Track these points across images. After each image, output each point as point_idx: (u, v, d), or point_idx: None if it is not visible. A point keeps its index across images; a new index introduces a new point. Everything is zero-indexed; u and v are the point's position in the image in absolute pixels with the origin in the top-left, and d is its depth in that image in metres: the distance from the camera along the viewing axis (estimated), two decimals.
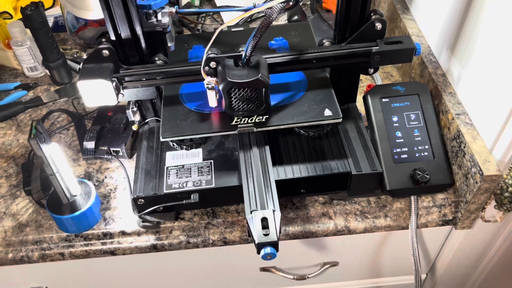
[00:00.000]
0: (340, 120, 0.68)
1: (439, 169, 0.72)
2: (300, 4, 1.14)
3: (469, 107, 0.73)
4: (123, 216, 0.75)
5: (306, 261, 0.87)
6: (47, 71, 0.98)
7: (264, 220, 0.60)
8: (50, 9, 1.13)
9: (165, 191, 0.70)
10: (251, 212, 0.62)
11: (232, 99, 0.65)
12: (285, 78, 0.75)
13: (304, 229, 0.74)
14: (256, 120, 0.67)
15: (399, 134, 0.74)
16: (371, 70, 0.74)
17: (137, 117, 0.78)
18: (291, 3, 0.63)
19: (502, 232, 0.81)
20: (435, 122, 0.75)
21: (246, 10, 0.69)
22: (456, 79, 0.77)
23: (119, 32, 0.67)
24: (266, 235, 0.59)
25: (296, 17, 1.02)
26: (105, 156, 0.82)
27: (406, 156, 0.73)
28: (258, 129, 0.67)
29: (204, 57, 0.64)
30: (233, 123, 0.67)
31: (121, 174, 0.81)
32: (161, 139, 0.67)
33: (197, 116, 0.70)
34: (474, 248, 0.85)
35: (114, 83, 0.68)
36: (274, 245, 0.58)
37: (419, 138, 0.74)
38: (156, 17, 0.71)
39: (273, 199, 0.64)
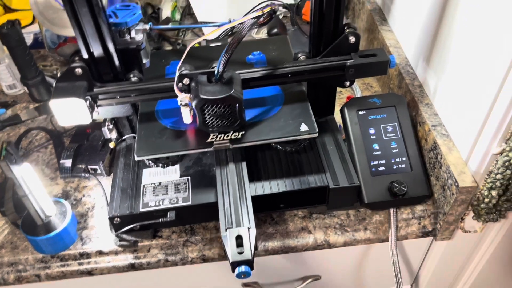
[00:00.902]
0: (316, 135, 0.68)
1: (417, 181, 0.72)
2: (281, 17, 1.14)
3: (445, 118, 0.73)
4: (100, 235, 0.74)
5: (288, 275, 0.86)
6: (26, 89, 0.97)
7: (238, 238, 0.60)
8: (29, 26, 1.13)
9: (141, 210, 0.69)
10: (226, 229, 0.61)
11: (206, 115, 0.65)
12: (261, 93, 0.75)
13: (284, 244, 0.74)
14: (232, 137, 0.67)
15: (376, 146, 0.74)
16: (347, 83, 0.74)
17: (113, 135, 0.77)
18: (262, 19, 0.63)
19: (483, 242, 0.81)
20: (412, 134, 0.75)
21: (220, 26, 0.69)
22: (432, 90, 0.77)
23: (91, 51, 0.67)
24: (240, 253, 0.58)
25: (275, 30, 1.02)
26: (83, 174, 0.81)
27: (383, 168, 0.73)
28: (234, 146, 0.67)
29: (177, 74, 0.64)
30: (209, 140, 0.67)
31: (99, 192, 0.80)
32: (136, 158, 0.66)
33: (173, 134, 0.69)
34: (456, 258, 0.85)
35: (87, 102, 0.68)
36: (249, 263, 0.58)
37: (397, 150, 0.74)
38: (129, 34, 0.71)
39: (248, 216, 0.63)
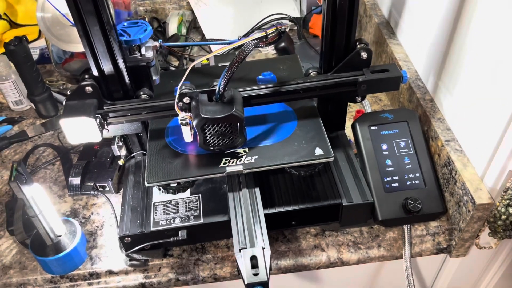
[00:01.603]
0: (332, 159, 0.66)
1: (431, 197, 0.71)
2: (287, 30, 1.14)
3: (458, 133, 0.73)
4: (110, 255, 0.73)
5: None
6: (32, 105, 0.96)
7: (253, 259, 0.59)
8: (35, 41, 1.13)
9: (152, 229, 0.68)
10: (240, 250, 0.60)
11: (207, 134, 0.64)
12: (274, 116, 0.73)
13: (296, 262, 0.72)
14: (245, 161, 0.65)
15: (389, 162, 0.73)
16: (359, 98, 0.74)
17: (123, 152, 0.77)
18: (270, 38, 0.63)
19: (497, 258, 0.79)
20: (425, 149, 0.74)
21: (228, 43, 0.68)
22: (444, 105, 0.77)
23: (102, 68, 0.67)
24: (255, 274, 0.57)
25: (283, 44, 1.02)
26: (91, 192, 0.80)
27: (397, 184, 0.72)
28: (247, 171, 0.65)
29: (178, 92, 0.63)
30: (221, 165, 0.65)
31: (108, 209, 0.79)
32: (146, 185, 0.64)
33: (184, 158, 0.67)
34: (470, 274, 0.83)
35: (97, 120, 0.67)
36: (264, 285, 0.56)
37: (410, 166, 0.73)
38: (139, 51, 0.70)
39: (262, 235, 0.62)
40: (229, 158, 0.66)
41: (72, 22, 0.61)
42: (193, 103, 0.63)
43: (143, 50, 0.70)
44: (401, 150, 0.74)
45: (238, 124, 0.63)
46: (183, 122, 0.64)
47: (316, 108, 0.74)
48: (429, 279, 0.86)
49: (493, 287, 0.87)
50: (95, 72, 0.67)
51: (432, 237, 0.74)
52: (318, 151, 0.66)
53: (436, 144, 0.75)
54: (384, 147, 0.74)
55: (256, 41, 0.60)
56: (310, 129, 0.70)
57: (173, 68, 1.06)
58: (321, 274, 0.79)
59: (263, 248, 0.60)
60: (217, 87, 0.62)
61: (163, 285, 0.72)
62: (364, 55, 0.69)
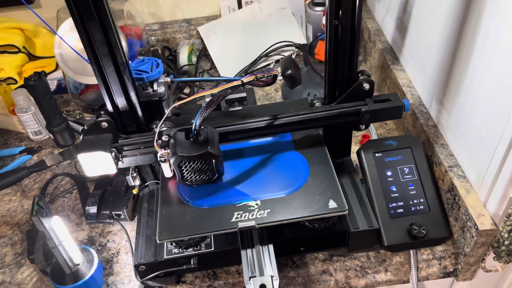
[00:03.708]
0: (346, 212, 0.65)
1: (436, 222, 0.73)
2: (293, 56, 1.18)
3: (461, 159, 0.75)
4: (125, 282, 0.76)
5: None
6: (51, 135, 1.01)
7: (262, 287, 0.61)
8: (53, 73, 1.18)
9: (165, 257, 0.71)
10: (249, 278, 0.62)
11: (184, 171, 0.66)
12: (287, 163, 0.74)
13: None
14: (257, 216, 0.66)
15: (394, 188, 0.75)
16: (363, 127, 0.76)
17: (137, 182, 0.80)
18: (264, 80, 0.66)
19: (505, 280, 0.80)
20: (429, 175, 0.76)
21: (228, 81, 0.69)
22: (447, 131, 0.79)
23: (116, 104, 0.70)
24: None
25: (290, 71, 1.04)
26: (107, 220, 0.83)
27: (402, 210, 0.74)
28: (260, 226, 0.65)
29: (157, 131, 0.66)
30: (234, 219, 0.65)
31: (124, 237, 0.82)
32: (158, 241, 0.65)
33: (195, 213, 0.68)
34: None
35: (113, 153, 0.71)
36: None
37: (414, 192, 0.75)
38: (152, 87, 0.74)
39: (271, 263, 0.65)
40: (241, 212, 0.66)
41: (87, 60, 0.65)
42: (172, 140, 0.66)
43: (155, 86, 0.74)
44: (405, 176, 0.76)
45: (213, 160, 0.65)
46: (162, 159, 0.67)
47: (327, 153, 0.74)
48: None
49: None
50: (110, 108, 0.71)
51: (438, 261, 0.75)
52: (332, 204, 0.66)
53: (440, 170, 0.77)
54: (389, 173, 0.76)
55: (231, 89, 0.63)
56: (323, 179, 0.70)
57: (184, 96, 1.10)
58: None
59: (272, 277, 0.62)
60: (193, 126, 0.64)
61: None
62: (366, 86, 0.72)
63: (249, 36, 1.19)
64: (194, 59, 1.18)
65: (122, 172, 0.91)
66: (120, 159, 0.73)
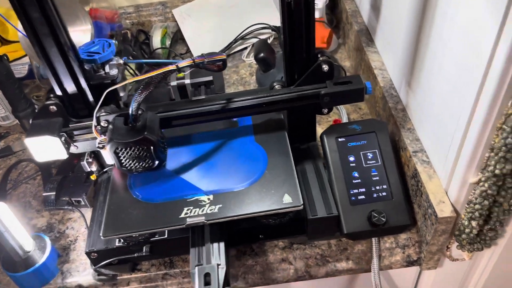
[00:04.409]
0: (301, 207, 0.63)
1: (398, 209, 0.70)
2: (270, 40, 1.14)
3: (426, 144, 0.71)
4: (81, 269, 0.74)
5: None
6: (17, 120, 0.99)
7: (207, 276, 0.59)
8: (25, 57, 1.15)
9: (117, 244, 0.69)
10: (195, 266, 0.60)
11: (121, 158, 0.63)
12: (244, 154, 0.71)
13: (264, 276, 0.72)
14: (208, 211, 0.63)
15: (356, 174, 0.72)
16: (325, 110, 0.73)
17: (93, 167, 0.78)
18: (215, 66, 0.64)
19: (475, 269, 0.78)
20: (393, 161, 0.73)
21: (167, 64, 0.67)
22: (414, 114, 0.75)
23: (64, 87, 0.68)
24: None
25: (262, 55, 1.01)
26: (66, 207, 0.82)
27: (363, 197, 0.71)
28: (210, 222, 0.63)
29: (95, 116, 0.63)
30: (182, 215, 0.63)
31: (83, 224, 0.81)
32: (102, 238, 0.63)
33: (144, 208, 0.65)
34: (449, 286, 0.82)
35: (63, 138, 0.69)
36: None
37: (377, 178, 0.72)
38: (104, 69, 0.71)
39: (219, 252, 0.62)
40: (191, 208, 0.64)
41: None
42: (110, 126, 0.64)
43: (107, 68, 0.71)
44: (368, 162, 0.73)
45: (151, 147, 0.63)
46: (100, 145, 0.64)
47: (287, 142, 0.72)
48: None
49: None
50: (58, 92, 0.68)
51: (401, 249, 0.72)
52: (287, 199, 0.63)
53: (406, 155, 0.74)
54: (351, 159, 0.73)
55: (163, 73, 0.61)
56: (281, 172, 0.67)
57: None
58: (296, 285, 0.79)
59: (218, 265, 0.60)
60: (129, 111, 0.62)
61: None
62: (325, 67, 0.69)
63: (225, 19, 1.16)
64: (168, 42, 1.15)
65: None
66: (72, 144, 0.71)
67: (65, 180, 0.84)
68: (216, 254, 0.62)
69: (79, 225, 0.81)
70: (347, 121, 0.92)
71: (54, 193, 0.81)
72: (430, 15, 0.64)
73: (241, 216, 0.63)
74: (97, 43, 0.71)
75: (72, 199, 0.82)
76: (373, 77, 0.88)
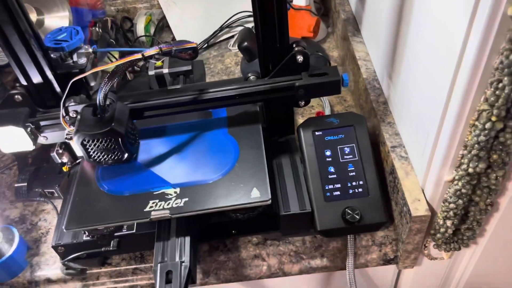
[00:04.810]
0: (269, 202, 0.60)
1: (374, 206, 0.67)
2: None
3: (405, 139, 0.69)
4: (50, 263, 0.73)
5: None
6: None
7: (170, 273, 0.57)
8: None
9: (84, 238, 0.67)
10: (158, 263, 0.59)
11: (89, 150, 0.62)
12: (216, 146, 0.69)
13: (236, 273, 0.71)
14: (173, 205, 0.61)
15: (332, 169, 0.70)
16: (302, 103, 0.71)
17: (64, 159, 0.76)
18: (188, 54, 0.61)
19: (456, 268, 0.75)
20: (371, 156, 0.70)
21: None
22: (394, 108, 0.73)
23: (29, 77, 0.66)
24: None
25: (245, 44, 0.98)
26: (38, 199, 0.80)
27: (338, 193, 0.68)
28: (175, 216, 0.60)
29: (62, 106, 0.61)
30: (147, 208, 0.61)
31: (56, 216, 0.79)
32: (65, 230, 0.61)
33: (110, 200, 0.63)
34: (430, 284, 0.79)
35: (28, 129, 0.67)
36: None
37: (354, 174, 0.69)
38: (72, 58, 0.69)
39: (184, 248, 0.61)
40: (157, 201, 0.62)
41: None
42: (79, 117, 0.61)
43: (75, 57, 0.69)
44: (345, 157, 0.70)
45: (119, 139, 0.60)
46: (68, 137, 0.62)
47: (261, 134, 0.70)
48: None
49: None
50: (23, 81, 0.66)
51: (378, 247, 0.70)
52: (255, 193, 0.61)
53: (384, 150, 0.71)
54: (328, 153, 0.71)
55: (129, 62, 0.59)
56: (252, 165, 0.65)
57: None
58: (271, 282, 0.77)
59: (182, 262, 0.58)
60: (97, 101, 0.59)
61: None
62: (300, 58, 0.66)
63: (211, 7, 1.13)
64: (152, 30, 1.12)
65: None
66: (40, 135, 0.69)
67: (39, 171, 0.83)
68: (182, 251, 0.60)
69: (52, 217, 0.79)
70: (330, 113, 0.89)
71: (26, 184, 0.80)
72: (409, 4, 0.61)
73: (207, 211, 0.61)
74: (64, 30, 0.68)
75: (45, 190, 0.80)
76: (357, 68, 0.85)
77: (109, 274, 0.71)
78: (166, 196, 0.63)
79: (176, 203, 0.61)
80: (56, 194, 0.80)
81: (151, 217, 0.60)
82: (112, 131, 0.59)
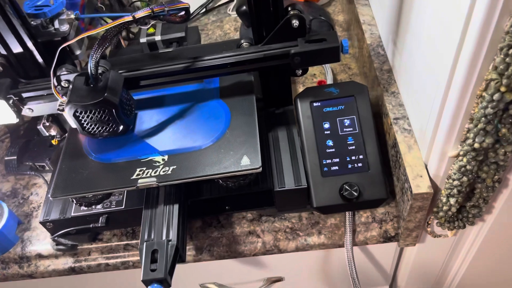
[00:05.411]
0: (260, 170, 0.58)
1: (374, 182, 0.63)
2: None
3: (409, 110, 0.64)
4: (41, 238, 0.71)
5: (248, 276, 0.81)
6: None
7: (155, 253, 0.55)
8: None
9: (72, 214, 0.65)
10: (144, 242, 0.56)
11: (83, 122, 0.58)
12: (206, 117, 0.65)
13: (230, 249, 0.68)
14: (161, 173, 0.58)
15: (330, 143, 0.66)
16: (299, 72, 0.66)
17: (52, 132, 0.73)
18: (178, 18, 0.57)
19: (461, 246, 0.72)
20: (372, 128, 0.65)
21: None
22: (399, 77, 0.67)
23: (9, 46, 0.62)
24: (153, 270, 0.53)
25: (244, 8, 0.93)
26: (28, 172, 0.78)
27: (336, 168, 0.65)
28: (162, 184, 0.58)
29: (52, 75, 0.58)
30: (134, 176, 0.59)
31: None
32: (51, 199, 0.60)
33: (96, 168, 0.61)
34: (434, 261, 0.76)
35: (11, 100, 0.64)
36: (162, 282, 0.53)
37: (353, 147, 0.65)
38: (53, 25, 0.65)
39: (172, 226, 0.58)
40: (144, 168, 0.59)
41: None
42: (71, 86, 0.58)
43: (56, 24, 0.65)
44: (345, 129, 0.66)
45: (113, 110, 0.57)
46: (61, 108, 0.59)
47: (254, 103, 0.66)
48: (389, 266, 0.79)
49: (463, 274, 0.79)
50: (2, 51, 0.63)
51: (379, 224, 0.67)
52: (245, 161, 0.58)
53: (387, 122, 0.66)
54: (326, 125, 0.66)
55: (119, 26, 0.55)
56: (243, 132, 0.62)
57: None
58: (268, 258, 0.75)
59: (169, 241, 0.56)
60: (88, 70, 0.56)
61: (93, 269, 0.70)
62: (295, 23, 0.61)
63: None
64: None
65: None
66: (23, 107, 0.66)
67: (29, 144, 0.80)
68: (169, 228, 0.58)
69: (43, 191, 0.77)
70: (332, 82, 0.84)
71: (16, 157, 0.78)
72: None
73: (195, 179, 0.58)
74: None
75: (35, 164, 0.78)
76: (362, 34, 0.79)
77: (100, 250, 0.70)
78: (153, 164, 0.60)
79: (163, 171, 0.59)
80: (47, 168, 0.78)
81: (138, 185, 0.58)
82: (105, 102, 0.56)
